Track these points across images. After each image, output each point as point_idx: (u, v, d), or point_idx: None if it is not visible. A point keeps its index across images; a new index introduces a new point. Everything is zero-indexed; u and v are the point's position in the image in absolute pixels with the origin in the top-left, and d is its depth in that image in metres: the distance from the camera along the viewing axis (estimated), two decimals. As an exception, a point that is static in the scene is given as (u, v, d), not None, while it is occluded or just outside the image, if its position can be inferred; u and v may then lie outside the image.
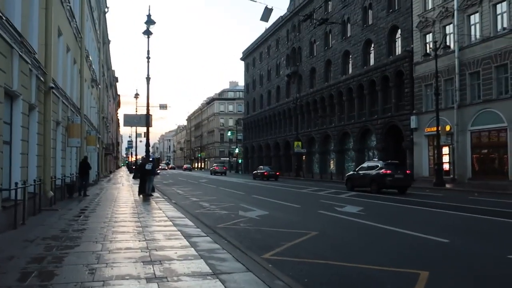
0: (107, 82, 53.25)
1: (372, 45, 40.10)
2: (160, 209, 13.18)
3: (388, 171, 21.13)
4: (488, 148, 27.74)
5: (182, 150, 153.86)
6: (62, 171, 16.82)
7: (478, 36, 27.89)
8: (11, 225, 8.86)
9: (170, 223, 10.00)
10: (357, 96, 41.78)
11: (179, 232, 8.57)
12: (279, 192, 22.92)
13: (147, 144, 21.87)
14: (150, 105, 21.46)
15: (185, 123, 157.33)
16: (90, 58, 27.75)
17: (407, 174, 22.83)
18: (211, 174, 60.68)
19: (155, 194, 19.89)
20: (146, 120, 21.58)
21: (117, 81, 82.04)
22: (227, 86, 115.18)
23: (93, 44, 31.58)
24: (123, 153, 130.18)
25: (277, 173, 43.02)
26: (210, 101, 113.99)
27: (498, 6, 26.71)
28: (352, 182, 23.54)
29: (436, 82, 27.29)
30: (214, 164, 72.25)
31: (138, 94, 38.90)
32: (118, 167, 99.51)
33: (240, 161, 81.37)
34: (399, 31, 36.27)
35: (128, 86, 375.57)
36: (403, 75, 35.12)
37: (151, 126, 21.98)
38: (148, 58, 21.47)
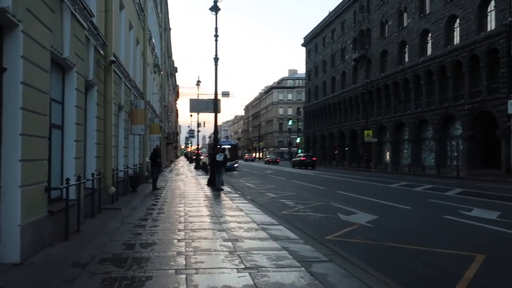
0: (168, 70, 52.14)
1: (458, 21, 35.55)
2: (241, 210, 10.75)
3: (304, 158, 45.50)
4: None
5: (240, 140, 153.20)
6: (125, 162, 14.89)
7: None
8: (62, 235, 6.72)
9: (265, 234, 7.49)
10: (438, 79, 37.43)
11: (286, 252, 6.01)
12: (365, 188, 19.90)
13: (216, 132, 19.63)
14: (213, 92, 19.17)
15: (243, 112, 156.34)
16: (153, 41, 25.97)
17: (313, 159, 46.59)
18: (265, 163, 65.91)
19: (225, 187, 17.63)
20: (214, 105, 19.31)
21: (177, 71, 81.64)
22: (286, 74, 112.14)
23: (155, 28, 29.88)
24: (182, 143, 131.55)
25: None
26: (269, 90, 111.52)
27: None
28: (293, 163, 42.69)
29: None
30: (268, 156, 75.04)
31: (200, 81, 37.03)
32: (177, 156, 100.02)
33: (299, 151, 78.35)
34: (493, 2, 31.58)
35: (185, 78, 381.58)
36: (498, 54, 30.54)
37: (219, 112, 19.70)
38: (216, 36, 19.11)
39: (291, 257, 5.73)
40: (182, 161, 77.04)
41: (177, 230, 7.75)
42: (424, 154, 41.01)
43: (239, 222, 8.75)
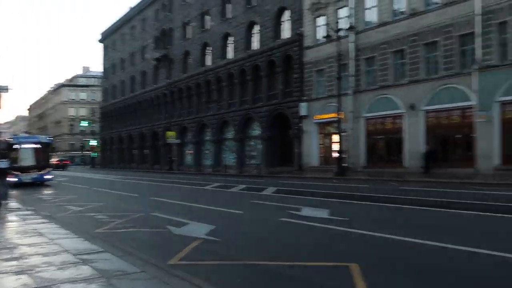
0: None
1: (257, 28, 37.54)
2: (41, 234, 8.03)
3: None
4: (384, 135, 27.25)
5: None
6: None
7: (374, 20, 27.15)
8: None
9: (90, 269, 5.30)
10: (239, 82, 38.93)
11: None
12: (179, 192, 18.58)
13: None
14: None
15: (26, 113, 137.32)
16: None
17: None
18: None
19: (11, 203, 13.89)
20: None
21: None
22: (80, 72, 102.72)
23: None
24: None
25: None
26: (58, 88, 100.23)
27: (395, -11, 26.14)
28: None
29: (339, 64, 25.76)
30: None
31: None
32: None
33: (95, 154, 72.46)
34: (288, 13, 34.27)
35: None
36: (292, 60, 33.28)
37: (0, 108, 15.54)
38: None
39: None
40: None
41: None
42: (225, 154, 42.12)
43: (44, 254, 6.22)
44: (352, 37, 27.74)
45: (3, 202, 13.35)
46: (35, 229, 8.58)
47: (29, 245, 7.01)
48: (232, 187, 18.96)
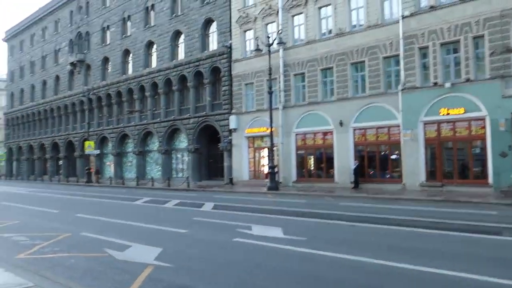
0: None
1: (183, 37, 36.61)
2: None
3: None
4: (314, 150, 27.61)
5: None
6: None
7: (303, 38, 27.64)
8: None
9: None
10: (164, 92, 37.55)
11: None
12: (109, 208, 17.06)
13: None
14: None
15: None
16: None
17: None
18: None
19: None
20: None
21: None
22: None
23: None
24: None
25: None
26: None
27: (323, 9, 26.81)
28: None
29: (270, 79, 25.58)
30: None
31: None
32: None
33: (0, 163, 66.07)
34: (215, 24, 33.81)
35: None
36: (220, 72, 32.78)
37: None
38: None
39: None
40: None
41: None
42: (149, 166, 40.37)
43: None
44: (281, 52, 27.96)
45: None
46: None
47: None
48: (164, 202, 17.79)
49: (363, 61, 24.41)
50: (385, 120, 23.21)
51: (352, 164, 24.13)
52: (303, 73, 27.44)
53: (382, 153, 24.38)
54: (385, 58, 23.62)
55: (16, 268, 6.28)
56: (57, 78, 53.26)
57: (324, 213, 13.36)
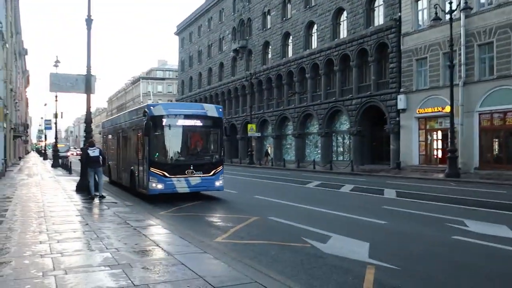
0: (16, 49, 42.75)
1: (345, 14, 34.83)
2: (156, 244, 6.35)
3: None
4: (504, 132, 23.57)
5: (101, 134, 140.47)
6: None
7: (491, 0, 23.53)
8: None
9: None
10: (325, 73, 36.44)
11: None
12: (282, 190, 16.65)
13: (88, 118, 14.45)
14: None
15: (106, 105, 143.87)
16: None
17: None
18: None
19: (108, 196, 12.73)
20: (86, 81, 14.05)
21: (27, 54, 69.41)
22: (155, 65, 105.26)
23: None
24: (33, 137, 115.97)
25: None
26: (136, 81, 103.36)
27: (519, -38, 22.34)
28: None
29: (451, 49, 22.24)
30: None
31: (59, 61, 29.99)
32: (27, 152, 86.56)
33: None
34: (381, -3, 31.24)
35: (37, 68, 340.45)
36: (388, 48, 30.23)
37: (93, 93, 14.50)
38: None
39: None
40: (34, 158, 66.04)
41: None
42: (309, 149, 39.99)
43: (175, 284, 4.47)
44: (462, 20, 24.29)
45: (97, 194, 12.22)
46: (146, 235, 6.95)
47: (150, 265, 5.28)
48: (338, 187, 16.67)
49: None
50: None
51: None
52: (490, 43, 23.46)
53: None
54: None
55: (224, 256, 5.72)
56: (221, 65, 56.39)
57: None
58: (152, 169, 11.99)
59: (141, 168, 12.87)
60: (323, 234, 7.47)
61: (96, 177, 12.46)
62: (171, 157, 12.69)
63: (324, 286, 4.77)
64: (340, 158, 35.27)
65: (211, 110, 13.47)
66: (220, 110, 13.78)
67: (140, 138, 13.28)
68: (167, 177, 11.99)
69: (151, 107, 12.67)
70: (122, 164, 16.12)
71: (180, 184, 12.16)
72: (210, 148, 13.84)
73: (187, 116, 12.88)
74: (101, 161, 12.62)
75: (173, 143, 12.91)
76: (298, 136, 40.08)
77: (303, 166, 33.49)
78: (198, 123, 13.03)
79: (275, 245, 6.82)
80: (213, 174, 12.83)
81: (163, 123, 12.38)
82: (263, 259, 5.95)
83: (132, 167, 14.03)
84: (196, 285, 4.43)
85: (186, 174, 12.19)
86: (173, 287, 4.40)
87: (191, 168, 12.27)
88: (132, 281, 4.53)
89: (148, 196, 12.38)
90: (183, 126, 12.75)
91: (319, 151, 37.63)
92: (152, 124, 12.12)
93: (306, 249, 6.50)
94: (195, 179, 12.33)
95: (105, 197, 12.27)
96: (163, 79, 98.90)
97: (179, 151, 12.93)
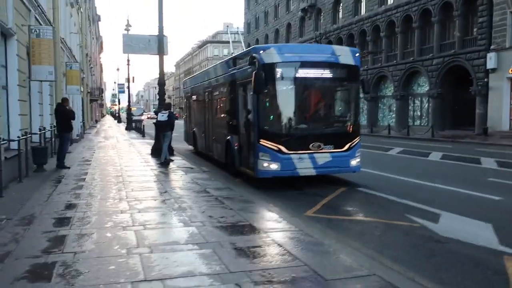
0: (89, 14, 43.85)
1: (427, -36, 31.64)
2: (246, 220, 5.71)
3: None
4: None
5: (171, 99, 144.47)
6: (22, 124, 9.13)
7: None
8: None
9: None
10: (402, 31, 33.74)
11: None
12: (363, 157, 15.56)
13: (161, 80, 14.09)
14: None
15: (173, 69, 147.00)
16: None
17: None
18: None
19: (178, 159, 12.43)
20: (159, 42, 13.61)
21: (100, 20, 71.52)
22: (221, 28, 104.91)
23: None
24: (107, 101, 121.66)
25: None
26: (203, 45, 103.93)
27: None
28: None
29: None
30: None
31: (130, 25, 30.14)
32: (103, 115, 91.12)
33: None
34: None
35: (109, 34, 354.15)
36: (476, 1, 27.16)
37: (166, 54, 14.07)
38: None
39: None
40: (109, 121, 69.20)
41: None
42: (382, 113, 37.94)
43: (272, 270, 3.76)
44: None
45: (172, 159, 11.96)
46: (228, 207, 6.33)
47: (237, 250, 4.62)
48: (425, 155, 15.20)
49: None
50: None
51: None
52: None
53: None
54: None
55: (321, 233, 4.95)
56: (289, 25, 54.52)
57: None
58: (263, 142, 8.51)
59: (243, 139, 9.48)
60: (430, 211, 6.47)
61: (162, 141, 12.14)
62: (291, 125, 8.94)
63: (460, 284, 3.84)
64: (417, 122, 33.03)
65: (346, 55, 9.24)
66: (357, 55, 9.52)
67: (242, 98, 9.77)
68: (284, 153, 8.50)
69: (261, 51, 8.79)
70: (213, 132, 12.58)
71: (303, 164, 8.61)
72: (343, 112, 9.95)
73: (312, 64, 8.99)
74: (170, 126, 12.24)
75: (293, 105, 9.11)
76: (371, 99, 38.01)
77: (376, 131, 31.80)
78: (327, 74, 9.19)
79: (378, 224, 5.93)
80: (348, 149, 9.08)
81: (279, 75, 8.70)
82: (370, 240, 5.11)
83: (228, 137, 10.54)
84: (302, 274, 3.69)
85: (311, 150, 8.64)
86: (275, 274, 3.69)
87: (319, 140, 8.73)
88: (226, 266, 3.88)
89: (255, 178, 8.87)
90: (307, 80, 9.12)
91: (393, 116, 35.53)
92: (265, 76, 8.37)
93: (416, 230, 5.55)
94: (324, 156, 8.73)
95: (173, 160, 12.04)
96: (228, 42, 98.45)
97: (302, 116, 9.26)
